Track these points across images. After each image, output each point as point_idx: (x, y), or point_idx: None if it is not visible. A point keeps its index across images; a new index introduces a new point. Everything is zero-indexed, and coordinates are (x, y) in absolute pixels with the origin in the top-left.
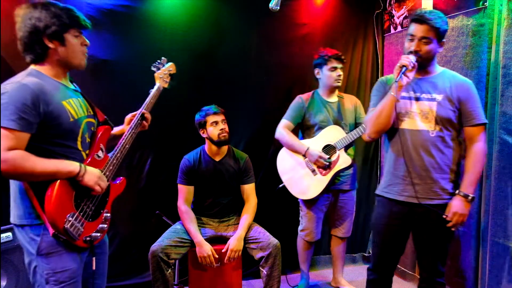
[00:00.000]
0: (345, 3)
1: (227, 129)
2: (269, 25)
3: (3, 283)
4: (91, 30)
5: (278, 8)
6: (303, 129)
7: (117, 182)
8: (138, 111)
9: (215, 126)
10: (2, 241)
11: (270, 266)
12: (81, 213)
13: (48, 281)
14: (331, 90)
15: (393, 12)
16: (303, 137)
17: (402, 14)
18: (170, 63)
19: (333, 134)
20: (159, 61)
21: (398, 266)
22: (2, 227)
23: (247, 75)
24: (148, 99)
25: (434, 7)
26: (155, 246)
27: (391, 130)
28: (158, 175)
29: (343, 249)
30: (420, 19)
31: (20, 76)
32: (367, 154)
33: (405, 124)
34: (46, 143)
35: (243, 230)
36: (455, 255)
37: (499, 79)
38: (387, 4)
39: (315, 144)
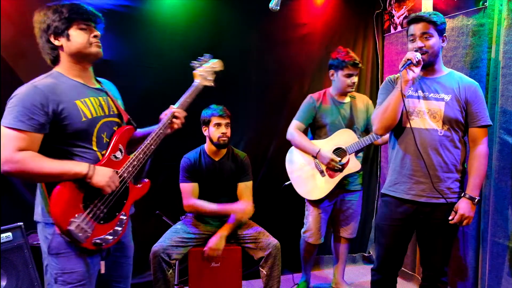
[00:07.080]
0: (345, 3)
1: (228, 134)
2: (269, 25)
3: (3, 283)
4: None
5: (278, 8)
6: (313, 128)
7: (139, 184)
8: (169, 110)
9: (217, 128)
10: (2, 241)
11: (270, 266)
12: (90, 215)
13: (56, 281)
14: (343, 94)
15: (393, 12)
16: (313, 137)
17: (402, 14)
18: (215, 60)
19: (345, 138)
20: (200, 58)
21: None
22: (2, 227)
23: (247, 75)
24: (183, 97)
25: (434, 7)
26: (156, 247)
27: (399, 129)
28: (158, 175)
29: (346, 250)
30: (415, 18)
31: (37, 78)
32: (367, 155)
33: (414, 123)
34: (62, 144)
35: (226, 230)
36: (455, 255)
37: (499, 79)
38: (387, 4)
39: (325, 145)
